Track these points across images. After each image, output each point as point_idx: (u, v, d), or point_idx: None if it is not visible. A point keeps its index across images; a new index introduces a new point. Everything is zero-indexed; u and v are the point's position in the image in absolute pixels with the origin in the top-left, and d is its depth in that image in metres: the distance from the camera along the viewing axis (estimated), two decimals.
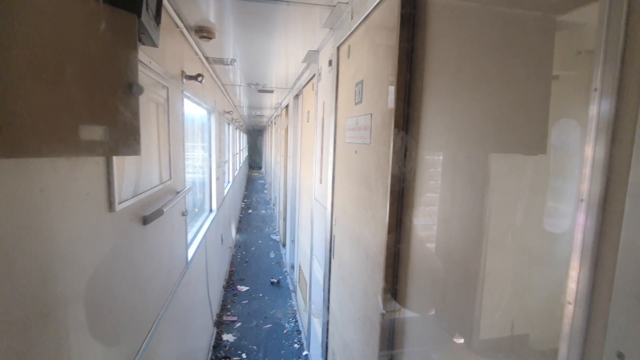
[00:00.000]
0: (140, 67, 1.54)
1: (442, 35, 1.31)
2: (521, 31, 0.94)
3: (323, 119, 2.94)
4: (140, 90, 0.94)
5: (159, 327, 1.92)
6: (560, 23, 0.86)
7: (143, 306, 1.69)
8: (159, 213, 1.73)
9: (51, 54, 0.78)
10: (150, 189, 1.79)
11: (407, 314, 1.60)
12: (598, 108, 0.67)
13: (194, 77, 2.65)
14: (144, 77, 1.65)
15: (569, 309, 0.72)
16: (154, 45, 1.43)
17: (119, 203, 1.36)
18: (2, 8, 0.68)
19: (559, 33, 0.86)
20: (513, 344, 1.06)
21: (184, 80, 2.54)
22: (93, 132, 0.88)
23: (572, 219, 0.74)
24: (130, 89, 0.94)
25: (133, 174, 1.58)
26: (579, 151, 0.74)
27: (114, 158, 1.28)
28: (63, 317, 0.99)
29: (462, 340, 1.28)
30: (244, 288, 5.32)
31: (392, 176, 1.51)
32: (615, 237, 0.62)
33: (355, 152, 2.00)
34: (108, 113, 0.91)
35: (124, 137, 0.94)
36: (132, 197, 1.52)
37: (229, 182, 7.31)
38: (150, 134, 1.86)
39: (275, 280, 5.61)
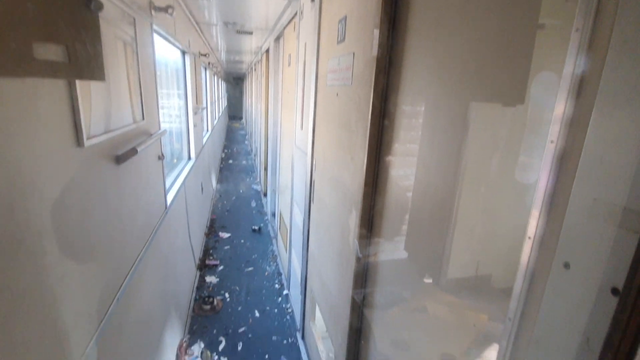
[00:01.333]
0: None
1: None
2: None
3: (305, 62, 2.81)
4: (100, 5, 0.85)
5: (140, 266, 1.95)
6: None
7: (122, 244, 1.70)
8: (132, 152, 1.67)
9: None
10: (122, 127, 1.71)
11: (382, 256, 1.68)
12: (574, 61, 0.65)
13: (164, 9, 2.43)
14: (107, 4, 1.49)
15: (528, 243, 0.77)
16: None
17: (88, 139, 1.30)
18: None
19: None
20: (477, 282, 1.15)
21: (153, 12, 2.32)
22: (49, 51, 0.80)
23: (538, 167, 0.75)
24: (88, 4, 0.85)
25: (102, 110, 1.50)
26: (551, 102, 0.72)
27: (78, 89, 1.19)
28: (36, 249, 0.98)
29: (431, 280, 1.38)
30: (225, 235, 5.42)
31: (372, 117, 1.50)
32: (569, 182, 0.64)
33: (337, 94, 1.95)
34: (65, 31, 0.83)
35: (85, 60, 0.87)
36: (103, 134, 1.45)
37: (207, 131, 7.09)
38: (119, 70, 1.73)
39: (256, 228, 5.74)
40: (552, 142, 0.70)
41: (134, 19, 1.93)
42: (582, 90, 0.66)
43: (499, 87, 0.97)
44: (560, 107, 0.68)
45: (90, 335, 1.32)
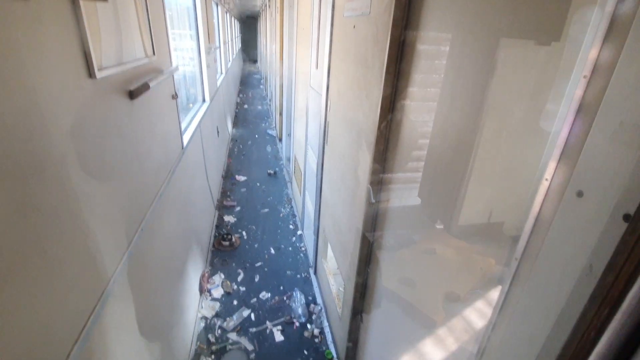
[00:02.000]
0: None
1: None
2: None
3: None
4: None
5: (161, 200, 2.05)
6: None
7: (141, 177, 1.76)
8: (144, 87, 1.66)
9: None
10: (133, 61, 1.68)
11: (394, 202, 1.69)
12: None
13: None
14: None
15: (544, 185, 0.73)
16: None
17: (99, 70, 1.28)
18: None
19: None
20: (488, 229, 1.14)
21: None
22: None
23: (564, 116, 0.69)
24: None
25: (111, 41, 1.46)
26: (589, 39, 0.64)
27: (84, 15, 1.15)
28: (59, 173, 1.03)
29: (442, 226, 1.38)
30: (242, 178, 5.56)
31: (390, 50, 1.41)
32: (595, 107, 0.59)
33: (354, 26, 1.82)
34: None
35: None
36: (114, 66, 1.44)
37: (221, 73, 6.93)
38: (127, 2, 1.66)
39: (272, 172, 5.84)
40: (584, 76, 0.64)
41: None
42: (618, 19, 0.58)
43: (534, 22, 0.86)
44: (598, 38, 0.60)
45: (120, 256, 1.44)
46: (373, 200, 1.70)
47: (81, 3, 1.10)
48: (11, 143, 0.84)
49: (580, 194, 0.59)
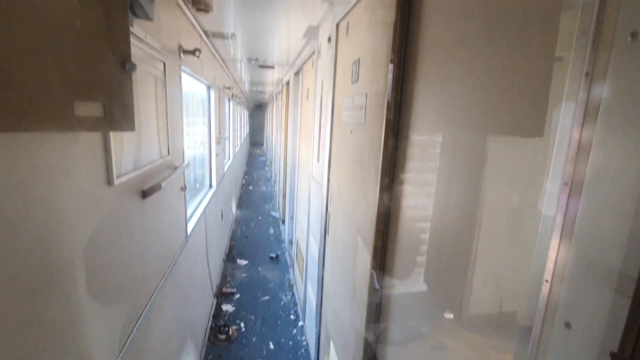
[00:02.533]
0: (135, 42, 1.54)
1: (439, 12, 1.30)
2: (524, 10, 0.92)
3: (322, 97, 2.93)
4: (133, 67, 0.96)
5: (160, 295, 2.02)
6: (567, 2, 0.84)
7: (143, 275, 1.77)
8: (157, 187, 1.78)
9: (45, 30, 0.80)
10: (149, 163, 1.83)
11: (396, 289, 1.67)
12: (588, 90, 0.67)
13: (192, 52, 2.63)
14: (139, 52, 1.65)
15: (546, 287, 0.76)
16: (149, 18, 1.43)
17: (118, 177, 1.40)
18: None
19: (565, 12, 0.83)
20: (501, 319, 1.11)
21: (182, 55, 2.52)
22: (88, 108, 0.91)
23: (556, 202, 0.75)
24: (123, 66, 0.96)
25: (133, 149, 1.62)
26: (568, 134, 0.74)
27: (112, 133, 1.31)
28: (66, 284, 1.06)
29: (452, 316, 1.34)
30: (243, 262, 5.47)
31: (384, 156, 1.54)
32: (570, 226, 0.65)
33: (351, 131, 2.02)
34: (102, 90, 0.93)
35: (118, 114, 0.97)
36: (131, 172, 1.57)
37: (229, 158, 7.34)
38: (149, 108, 1.88)
39: (274, 255, 5.76)
40: (565, 184, 0.71)
41: (164, 63, 2.11)
42: (581, 147, 0.68)
43: (517, 121, 0.96)
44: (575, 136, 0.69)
45: None
46: (377, 287, 1.67)
47: (112, 134, 1.26)
48: (28, 259, 0.89)
49: (568, 324, 0.60)
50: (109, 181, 1.35)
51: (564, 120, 0.79)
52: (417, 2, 1.41)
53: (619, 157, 0.59)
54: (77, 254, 1.12)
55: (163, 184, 1.86)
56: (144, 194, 1.73)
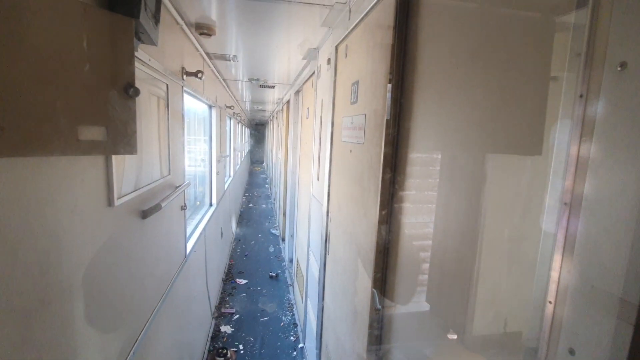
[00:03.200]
0: (139, 65, 1.58)
1: (435, 35, 1.33)
2: (518, 32, 0.94)
3: (321, 117, 2.97)
4: (137, 92, 0.99)
5: (157, 318, 1.98)
6: (559, 24, 0.86)
7: (141, 297, 1.75)
8: (157, 208, 1.78)
9: (52, 57, 0.82)
10: (149, 184, 1.84)
11: (398, 309, 1.64)
12: (583, 111, 0.69)
13: (194, 74, 2.68)
14: (143, 74, 1.69)
15: (549, 308, 0.75)
16: (153, 44, 1.47)
17: (118, 198, 1.41)
18: (6, 13, 0.72)
19: (558, 34, 0.86)
20: (506, 340, 1.08)
21: (184, 76, 2.58)
22: (91, 133, 0.92)
23: (557, 222, 0.76)
24: (127, 91, 0.98)
25: (134, 170, 1.63)
26: (565, 155, 0.75)
27: (114, 161, 1.33)
28: (63, 307, 1.05)
29: (455, 336, 1.31)
30: (242, 281, 5.39)
31: (383, 176, 1.55)
32: (570, 247, 0.66)
33: (350, 151, 2.03)
34: (106, 114, 0.95)
35: (121, 137, 0.99)
36: (132, 192, 1.57)
37: (229, 176, 7.36)
38: (151, 128, 1.90)
39: (274, 274, 5.68)
40: (565, 204, 0.72)
41: (167, 85, 2.15)
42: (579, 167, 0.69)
43: (515, 140, 0.98)
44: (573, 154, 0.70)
45: None
46: (378, 307, 1.64)
47: (114, 157, 1.28)
48: (25, 281, 0.89)
49: (572, 351, 0.59)
50: (110, 202, 1.35)
51: (561, 140, 0.80)
52: (414, 24, 1.46)
53: (615, 180, 0.60)
54: (76, 276, 1.11)
55: (163, 204, 1.86)
56: (144, 214, 1.73)
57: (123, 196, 1.47)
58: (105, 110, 0.95)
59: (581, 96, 0.70)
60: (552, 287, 0.75)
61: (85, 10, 0.85)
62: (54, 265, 1.00)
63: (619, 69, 0.58)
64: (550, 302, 0.75)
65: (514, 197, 1.01)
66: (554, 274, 0.75)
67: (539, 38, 0.89)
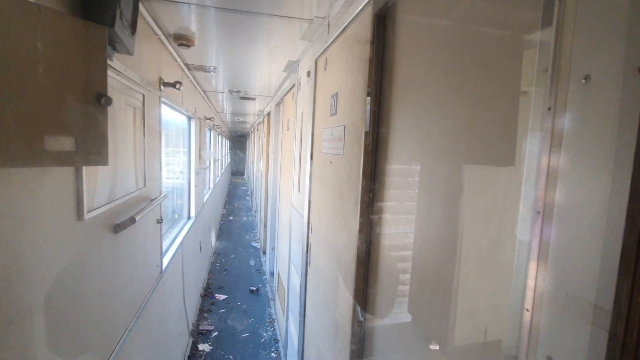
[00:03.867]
0: (114, 75, 1.54)
1: (412, 49, 1.37)
2: (490, 48, 0.98)
3: (302, 129, 2.98)
4: (109, 101, 0.96)
5: (130, 337, 1.88)
6: (527, 42, 0.90)
7: (112, 316, 1.66)
8: (130, 221, 1.71)
9: (17, 65, 0.78)
10: (123, 196, 1.77)
11: (380, 321, 1.63)
12: (551, 123, 0.72)
13: (172, 85, 2.64)
14: (118, 84, 1.64)
15: (527, 316, 0.76)
16: (129, 53, 1.44)
17: (89, 212, 1.34)
18: None
19: (527, 51, 0.89)
20: (486, 349, 1.09)
21: (162, 87, 2.53)
22: (60, 143, 0.88)
23: (530, 230, 0.78)
24: (98, 100, 0.95)
25: (107, 182, 1.57)
26: (536, 165, 0.77)
27: (84, 172, 1.27)
28: (27, 326, 0.97)
29: (437, 347, 1.31)
30: (222, 296, 5.24)
31: (363, 186, 1.56)
32: (545, 254, 0.67)
33: (330, 162, 2.04)
34: (75, 124, 0.91)
35: (92, 148, 0.95)
36: (104, 205, 1.51)
37: (209, 188, 7.22)
38: (126, 139, 1.84)
39: (254, 289, 5.56)
40: (538, 212, 0.74)
41: (144, 95, 2.10)
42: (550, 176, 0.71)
43: (489, 151, 1.01)
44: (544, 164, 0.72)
45: None
46: (361, 319, 1.62)
47: (84, 168, 1.22)
48: None
49: (550, 359, 0.60)
50: (79, 216, 1.29)
51: (532, 151, 0.83)
52: (391, 38, 1.49)
53: (584, 188, 0.62)
54: (39, 294, 1.04)
55: (137, 218, 1.79)
56: (117, 229, 1.65)
57: (94, 209, 1.40)
58: (75, 119, 0.91)
59: (549, 109, 0.73)
60: (529, 295, 0.76)
61: (53, 17, 0.82)
62: (15, 284, 0.93)
63: (583, 81, 0.61)
64: (527, 309, 0.77)
65: (490, 206, 1.04)
66: (530, 282, 0.76)
67: (509, 55, 0.94)
